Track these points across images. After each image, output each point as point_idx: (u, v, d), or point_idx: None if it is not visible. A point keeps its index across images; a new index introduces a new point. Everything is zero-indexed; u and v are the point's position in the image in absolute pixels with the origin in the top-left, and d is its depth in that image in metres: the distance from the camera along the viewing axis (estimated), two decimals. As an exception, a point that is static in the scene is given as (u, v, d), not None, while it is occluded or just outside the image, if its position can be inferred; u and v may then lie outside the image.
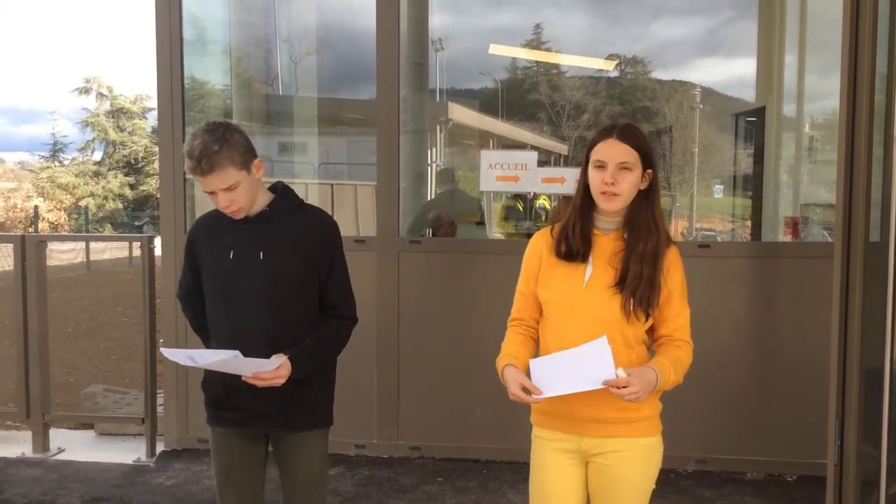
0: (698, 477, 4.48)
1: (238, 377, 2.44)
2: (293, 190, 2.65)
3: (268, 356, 2.43)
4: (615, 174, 2.23)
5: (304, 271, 2.53)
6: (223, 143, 2.40)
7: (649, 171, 2.29)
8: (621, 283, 2.24)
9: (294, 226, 2.55)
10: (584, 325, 2.25)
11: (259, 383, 2.40)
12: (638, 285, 2.22)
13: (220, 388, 2.55)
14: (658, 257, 2.25)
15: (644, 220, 2.27)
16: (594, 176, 2.27)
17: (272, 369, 2.39)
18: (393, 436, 4.78)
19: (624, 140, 2.24)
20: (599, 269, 2.27)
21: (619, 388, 2.10)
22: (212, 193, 2.45)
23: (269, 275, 2.49)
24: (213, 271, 2.55)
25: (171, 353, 2.48)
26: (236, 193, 2.44)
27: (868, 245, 3.49)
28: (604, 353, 2.11)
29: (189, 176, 2.54)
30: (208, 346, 2.61)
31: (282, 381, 2.41)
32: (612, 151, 2.24)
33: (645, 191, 2.29)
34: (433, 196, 7.36)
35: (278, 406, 2.52)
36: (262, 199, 2.56)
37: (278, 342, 2.47)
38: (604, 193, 2.25)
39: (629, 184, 2.24)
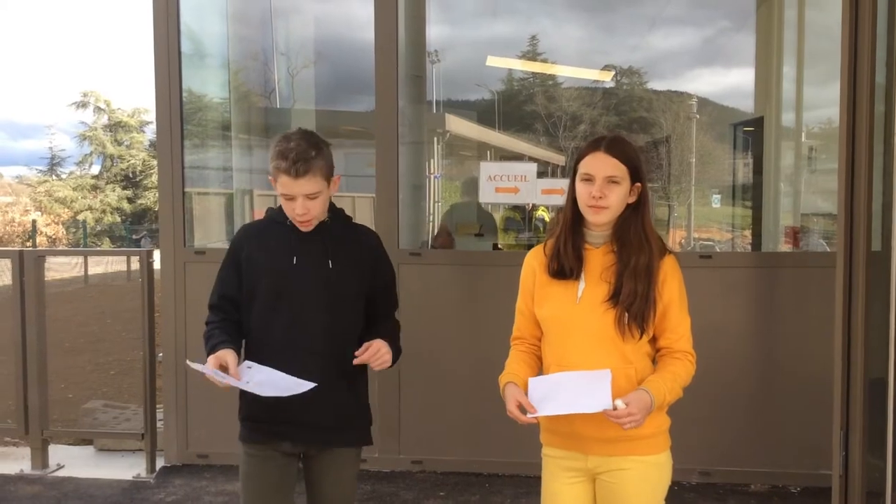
0: (702, 489, 4.45)
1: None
2: (342, 209, 2.69)
3: (319, 359, 2.46)
4: (602, 188, 2.21)
5: (360, 287, 2.58)
6: (318, 151, 2.46)
7: (638, 184, 2.27)
8: (614, 298, 2.22)
9: (351, 238, 2.62)
10: (579, 341, 2.25)
11: (374, 363, 2.45)
12: (633, 301, 2.21)
13: (265, 401, 2.46)
14: (652, 272, 2.23)
15: (635, 235, 2.25)
16: (581, 189, 2.26)
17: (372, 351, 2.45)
18: (394, 450, 4.76)
19: (611, 153, 2.23)
20: (592, 285, 2.26)
21: (618, 417, 2.10)
22: (289, 199, 2.46)
23: (334, 285, 2.52)
24: (264, 276, 2.53)
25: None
26: (315, 203, 2.47)
27: (870, 254, 3.49)
28: (604, 383, 2.12)
29: (275, 179, 2.51)
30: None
31: (388, 357, 2.48)
32: (600, 165, 2.23)
33: (634, 204, 2.28)
34: (436, 207, 7.37)
35: (331, 418, 2.52)
36: (323, 213, 2.60)
37: (329, 355, 2.49)
38: (591, 206, 2.24)
39: (617, 197, 2.23)
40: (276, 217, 2.60)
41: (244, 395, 2.55)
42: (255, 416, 2.55)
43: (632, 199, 2.27)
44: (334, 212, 2.63)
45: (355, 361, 2.44)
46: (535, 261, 2.39)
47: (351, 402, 2.57)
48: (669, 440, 2.34)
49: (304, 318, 2.49)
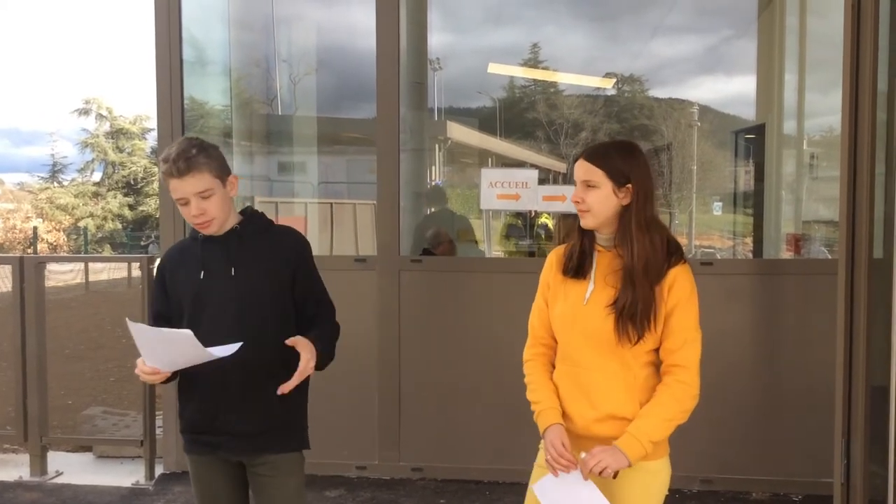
0: (703, 497, 4.43)
1: (215, 402, 2.45)
2: (262, 213, 2.64)
3: (241, 378, 2.43)
4: (579, 192, 2.28)
5: (277, 290, 2.51)
6: (200, 150, 2.43)
7: (629, 185, 2.26)
8: (616, 303, 2.23)
9: (263, 245, 2.54)
10: (581, 342, 2.27)
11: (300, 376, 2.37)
12: (624, 305, 2.20)
13: (197, 413, 2.53)
14: (649, 273, 2.21)
15: (626, 235, 2.26)
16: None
17: (304, 359, 2.36)
18: (394, 457, 4.74)
19: (588, 159, 2.28)
20: (599, 288, 2.28)
21: (586, 465, 2.15)
22: (184, 204, 2.43)
23: (241, 292, 2.47)
24: (183, 293, 2.52)
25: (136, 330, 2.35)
26: (209, 203, 2.43)
27: (872, 262, 3.48)
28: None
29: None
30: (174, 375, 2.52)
31: (312, 364, 2.37)
32: (578, 171, 2.30)
33: (627, 206, 2.27)
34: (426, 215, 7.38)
35: (258, 426, 2.49)
36: (232, 221, 2.55)
37: (251, 363, 2.44)
38: (577, 211, 2.32)
39: (595, 200, 2.25)
40: (192, 233, 2.58)
41: (179, 404, 2.59)
42: (191, 427, 2.57)
43: (625, 201, 2.26)
44: (249, 217, 2.58)
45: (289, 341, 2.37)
46: (555, 257, 2.43)
47: (280, 407, 2.50)
48: (668, 448, 2.31)
49: (218, 329, 2.44)
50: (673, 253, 2.28)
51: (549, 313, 2.38)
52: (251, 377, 2.44)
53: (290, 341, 2.37)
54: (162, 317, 2.58)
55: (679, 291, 2.24)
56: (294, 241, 2.61)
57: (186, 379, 2.53)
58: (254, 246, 2.52)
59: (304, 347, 2.38)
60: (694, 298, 2.27)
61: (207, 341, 2.38)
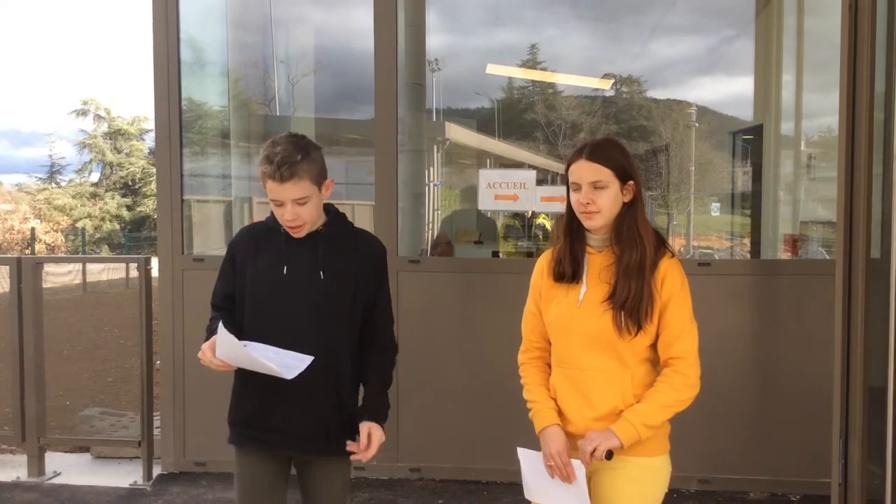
0: (701, 497, 4.43)
1: (277, 399, 2.44)
2: (344, 214, 2.63)
3: (310, 378, 2.41)
4: (589, 194, 2.22)
5: (355, 296, 2.52)
6: (305, 155, 2.39)
7: (630, 182, 2.26)
8: (612, 298, 2.22)
9: (348, 248, 2.54)
10: (578, 343, 2.26)
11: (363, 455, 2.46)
12: (626, 298, 2.20)
13: (256, 407, 2.50)
14: (645, 268, 2.22)
15: (628, 232, 2.25)
16: (572, 197, 2.28)
17: (364, 445, 2.45)
18: (392, 457, 4.73)
19: (593, 160, 2.23)
20: (593, 287, 2.27)
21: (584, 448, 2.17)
22: (278, 206, 2.42)
23: (324, 293, 2.47)
24: (261, 284, 2.50)
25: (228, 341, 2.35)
26: (304, 209, 2.42)
27: (869, 262, 3.48)
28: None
29: (261, 183, 2.46)
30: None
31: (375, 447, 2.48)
32: (583, 172, 2.24)
33: (629, 203, 2.27)
34: (435, 215, 7.38)
35: (313, 428, 2.49)
36: (318, 221, 2.54)
37: (322, 365, 2.43)
38: (583, 213, 2.26)
39: (606, 200, 2.23)
40: (272, 223, 2.55)
41: (234, 397, 2.57)
42: (244, 421, 2.55)
43: (627, 198, 2.27)
44: (333, 217, 2.57)
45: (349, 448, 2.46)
46: (545, 262, 2.41)
47: (338, 412, 2.52)
48: (668, 445, 2.32)
49: (294, 328, 2.45)
50: (660, 245, 2.29)
51: (542, 319, 2.37)
52: (319, 379, 2.43)
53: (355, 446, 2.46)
54: (232, 297, 2.56)
55: (672, 284, 2.25)
56: (379, 249, 2.62)
57: (250, 372, 2.49)
58: (339, 249, 2.52)
59: (374, 440, 2.48)
60: (686, 290, 2.28)
61: (280, 340, 2.40)
